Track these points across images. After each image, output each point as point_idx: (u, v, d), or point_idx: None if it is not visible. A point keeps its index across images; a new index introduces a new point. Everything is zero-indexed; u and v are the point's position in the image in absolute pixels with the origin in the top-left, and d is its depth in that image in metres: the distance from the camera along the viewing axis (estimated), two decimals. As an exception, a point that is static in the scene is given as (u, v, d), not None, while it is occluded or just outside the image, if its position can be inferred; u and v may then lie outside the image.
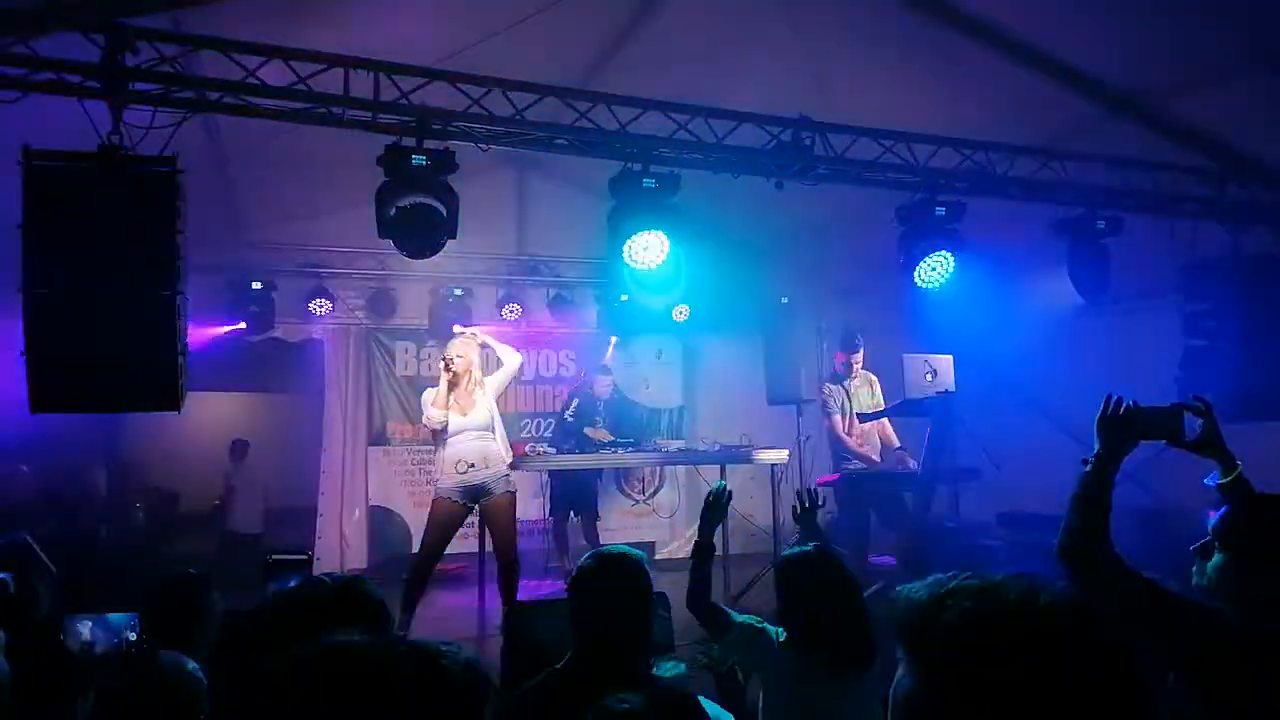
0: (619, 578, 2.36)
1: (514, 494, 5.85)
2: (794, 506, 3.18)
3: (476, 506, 5.80)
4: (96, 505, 8.68)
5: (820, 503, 3.24)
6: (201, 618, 2.34)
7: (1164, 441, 2.40)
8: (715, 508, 2.95)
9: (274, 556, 2.50)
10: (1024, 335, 7.15)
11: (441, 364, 5.76)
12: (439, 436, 5.74)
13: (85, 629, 2.20)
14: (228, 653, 1.79)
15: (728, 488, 3.00)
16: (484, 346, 6.12)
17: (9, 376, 3.85)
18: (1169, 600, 2.04)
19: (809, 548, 2.71)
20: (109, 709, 1.78)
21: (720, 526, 7.55)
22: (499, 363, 6.06)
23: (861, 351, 6.84)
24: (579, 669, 2.29)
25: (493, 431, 5.81)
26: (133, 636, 2.22)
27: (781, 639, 2.67)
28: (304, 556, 2.56)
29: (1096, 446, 2.28)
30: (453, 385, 5.70)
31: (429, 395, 5.80)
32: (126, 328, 3.77)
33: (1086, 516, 2.19)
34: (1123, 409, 2.31)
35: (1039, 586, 0.93)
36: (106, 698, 1.78)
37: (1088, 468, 2.26)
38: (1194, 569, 2.18)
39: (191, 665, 1.78)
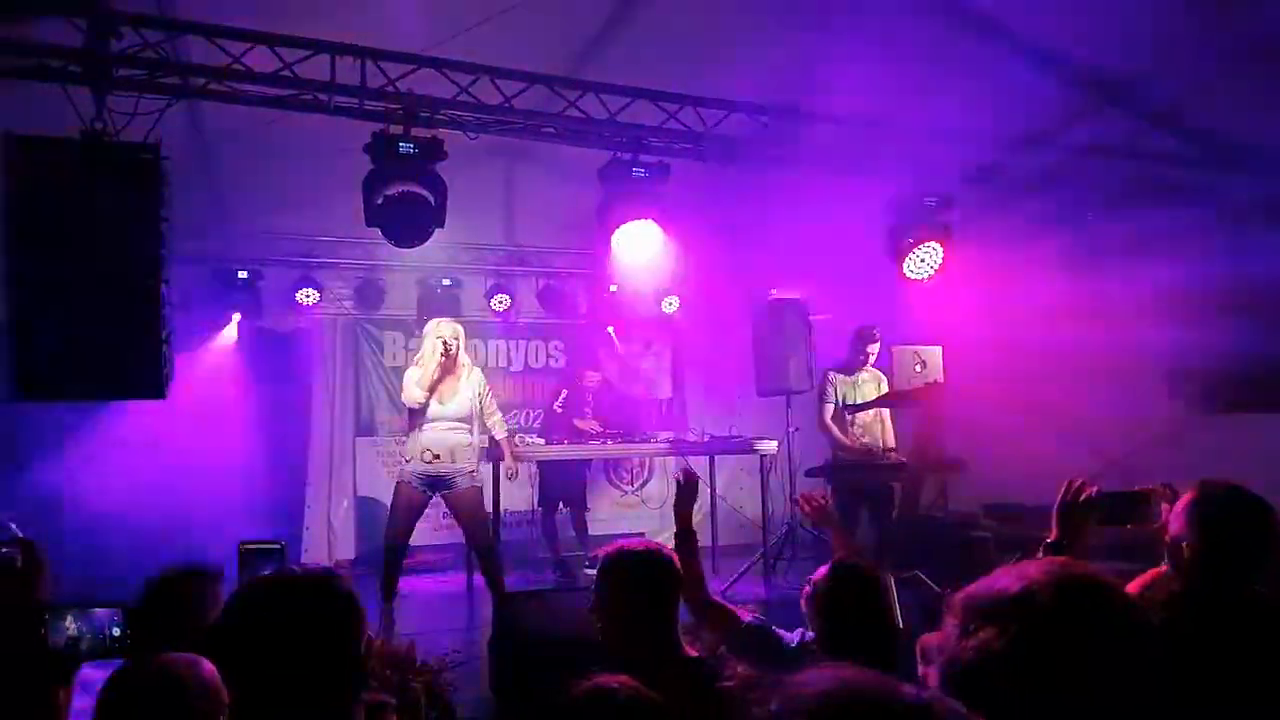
0: (651, 578, 2.36)
1: (479, 487, 5.79)
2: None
3: (437, 496, 5.71)
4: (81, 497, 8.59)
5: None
6: (201, 613, 2.31)
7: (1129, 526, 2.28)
8: (684, 491, 2.87)
9: (247, 545, 2.46)
10: (1013, 325, 7.16)
11: (441, 345, 5.59)
12: (414, 418, 5.64)
13: (69, 623, 2.17)
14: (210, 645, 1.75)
15: (693, 473, 2.95)
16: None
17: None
18: None
19: (854, 564, 2.57)
20: (113, 704, 1.76)
21: (711, 516, 7.52)
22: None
23: (878, 344, 6.61)
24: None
25: (468, 425, 5.72)
26: (117, 632, 2.19)
27: (794, 645, 2.62)
28: (277, 545, 2.53)
29: (1055, 532, 2.23)
30: (447, 370, 5.61)
31: (414, 374, 5.67)
32: (110, 316, 3.74)
33: None
34: (1083, 497, 2.22)
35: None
36: (111, 694, 1.76)
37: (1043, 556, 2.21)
38: None
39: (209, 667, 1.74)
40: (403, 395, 5.70)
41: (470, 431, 5.73)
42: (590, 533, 7.85)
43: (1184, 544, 2.17)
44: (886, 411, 6.70)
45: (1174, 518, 2.22)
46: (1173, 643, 1.97)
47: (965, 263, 5.47)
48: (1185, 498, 2.24)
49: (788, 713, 0.81)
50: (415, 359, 5.83)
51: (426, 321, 7.48)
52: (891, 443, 6.69)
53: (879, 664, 2.23)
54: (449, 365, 5.60)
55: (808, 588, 2.56)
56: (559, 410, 7.98)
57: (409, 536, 5.76)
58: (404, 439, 8.22)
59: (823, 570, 2.57)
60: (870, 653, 2.28)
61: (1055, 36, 5.12)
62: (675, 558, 2.46)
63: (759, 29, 5.38)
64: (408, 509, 5.64)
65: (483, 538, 5.79)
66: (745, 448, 7.41)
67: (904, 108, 5.36)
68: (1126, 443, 6.98)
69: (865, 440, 6.55)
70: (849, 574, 2.52)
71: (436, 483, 5.62)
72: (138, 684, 1.77)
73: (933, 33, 5.11)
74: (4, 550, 2.66)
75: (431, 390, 5.56)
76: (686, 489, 2.89)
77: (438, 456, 5.57)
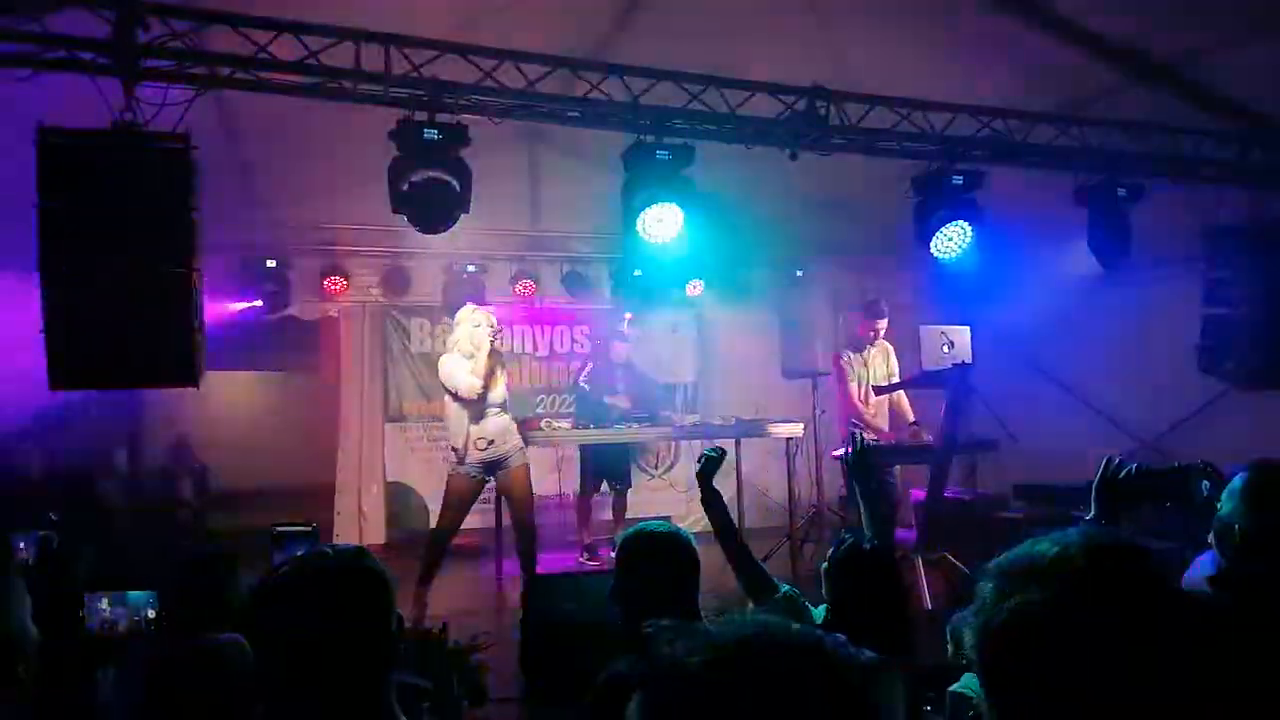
0: (670, 560, 2.37)
1: (528, 465, 5.92)
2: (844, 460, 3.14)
3: (492, 479, 5.85)
4: (116, 483, 8.77)
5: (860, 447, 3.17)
6: (226, 596, 2.36)
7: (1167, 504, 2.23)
8: (709, 461, 2.98)
9: (279, 528, 2.50)
10: (1042, 305, 7.08)
11: (495, 331, 5.72)
12: (466, 406, 5.70)
13: (104, 606, 2.22)
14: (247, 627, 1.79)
15: (722, 451, 3.02)
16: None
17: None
18: None
19: (863, 544, 2.59)
20: (162, 685, 1.80)
21: (737, 499, 7.52)
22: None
23: (886, 320, 6.74)
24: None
25: (505, 407, 5.87)
26: (152, 614, 2.23)
27: (819, 621, 2.63)
28: (310, 528, 2.57)
29: (1093, 509, 2.20)
30: (489, 356, 5.70)
31: (460, 363, 5.70)
32: (143, 304, 3.78)
33: None
34: (1123, 473, 2.19)
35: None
36: (159, 675, 1.80)
37: None
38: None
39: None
40: (454, 386, 5.70)
41: (508, 414, 5.87)
42: (628, 515, 7.87)
43: (1235, 525, 2.14)
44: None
45: (1225, 498, 2.18)
46: (1224, 623, 1.94)
47: (994, 241, 5.40)
48: (1237, 478, 2.19)
49: (688, 650, 0.83)
50: (451, 346, 5.84)
51: (452, 307, 7.54)
52: (910, 415, 6.71)
53: (889, 637, 2.27)
54: (493, 352, 5.73)
55: (827, 561, 2.59)
56: (585, 385, 7.98)
57: (459, 526, 5.87)
58: (434, 425, 8.27)
59: (839, 543, 2.61)
60: (880, 626, 2.29)
61: (1089, 9, 5.04)
62: (693, 541, 2.46)
63: (783, 8, 5.33)
64: (465, 499, 5.80)
65: (529, 516, 5.91)
66: (770, 430, 7.39)
67: (931, 83, 5.29)
68: (1159, 420, 6.91)
69: (877, 421, 6.59)
70: (860, 547, 2.55)
71: (493, 466, 5.78)
72: (185, 663, 1.81)
73: (961, 7, 5.04)
74: (41, 534, 2.73)
75: (486, 379, 5.65)
76: (711, 460, 2.97)
77: (492, 442, 5.73)
